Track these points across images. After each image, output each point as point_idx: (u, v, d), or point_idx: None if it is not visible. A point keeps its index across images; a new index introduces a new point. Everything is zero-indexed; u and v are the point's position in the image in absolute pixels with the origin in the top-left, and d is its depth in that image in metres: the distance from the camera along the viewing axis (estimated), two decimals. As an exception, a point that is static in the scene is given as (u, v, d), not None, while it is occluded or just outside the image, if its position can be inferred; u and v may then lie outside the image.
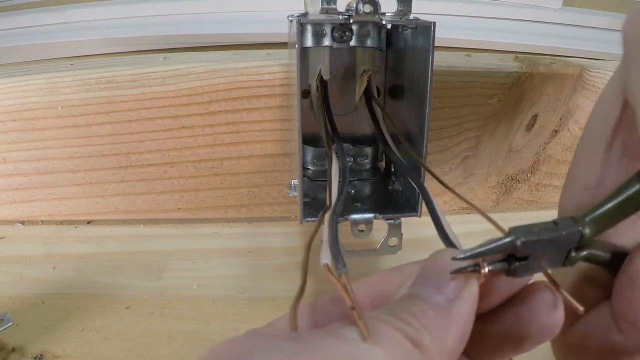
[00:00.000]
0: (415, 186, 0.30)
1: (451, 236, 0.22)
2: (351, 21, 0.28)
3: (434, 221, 0.23)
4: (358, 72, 0.34)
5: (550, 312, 0.17)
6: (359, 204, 0.33)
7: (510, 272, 0.17)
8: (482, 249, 0.17)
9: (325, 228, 0.21)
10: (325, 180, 0.35)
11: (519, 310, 0.18)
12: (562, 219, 0.18)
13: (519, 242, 0.17)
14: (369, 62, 0.34)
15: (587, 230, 0.18)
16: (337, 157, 0.29)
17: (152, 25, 0.58)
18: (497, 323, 0.18)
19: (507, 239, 0.17)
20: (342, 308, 0.19)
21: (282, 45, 0.37)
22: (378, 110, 0.33)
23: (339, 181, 0.27)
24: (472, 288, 0.17)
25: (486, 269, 0.17)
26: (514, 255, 0.17)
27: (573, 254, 0.18)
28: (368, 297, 0.19)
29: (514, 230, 0.17)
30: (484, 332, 0.18)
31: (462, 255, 0.17)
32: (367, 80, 0.33)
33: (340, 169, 0.28)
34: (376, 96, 0.34)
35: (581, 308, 0.18)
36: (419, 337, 0.15)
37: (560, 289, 0.18)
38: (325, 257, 0.19)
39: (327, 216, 0.22)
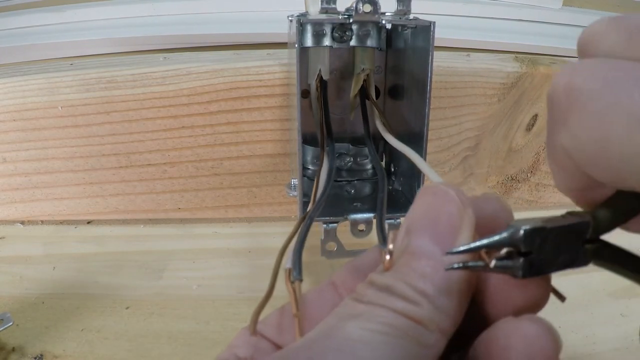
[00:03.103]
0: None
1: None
2: (351, 21, 0.28)
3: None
4: (356, 72, 0.34)
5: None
6: (358, 204, 0.33)
7: (513, 271, 0.15)
8: (480, 242, 0.15)
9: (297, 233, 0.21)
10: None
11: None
12: (569, 212, 0.16)
13: (521, 231, 0.14)
14: (368, 61, 0.34)
15: (595, 221, 0.15)
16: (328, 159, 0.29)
17: (152, 25, 0.58)
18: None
19: (508, 230, 0.15)
20: (327, 299, 0.19)
21: (282, 45, 0.37)
22: (373, 110, 0.33)
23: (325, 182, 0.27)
24: (468, 231, 0.15)
25: (493, 263, 0.15)
26: (519, 251, 0.15)
27: (587, 246, 0.15)
28: (352, 275, 0.19)
29: (515, 222, 0.15)
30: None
31: (457, 249, 0.15)
32: (364, 79, 0.33)
33: (327, 172, 0.28)
34: (373, 95, 0.34)
35: (565, 297, 0.16)
36: (420, 313, 0.14)
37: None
38: (289, 262, 0.19)
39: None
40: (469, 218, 0.16)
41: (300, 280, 0.17)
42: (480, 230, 0.16)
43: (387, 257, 0.15)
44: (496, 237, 0.15)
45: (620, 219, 0.16)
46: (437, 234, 0.15)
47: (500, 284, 0.16)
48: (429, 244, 0.15)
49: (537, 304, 0.15)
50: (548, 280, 0.16)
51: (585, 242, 0.15)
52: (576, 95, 0.13)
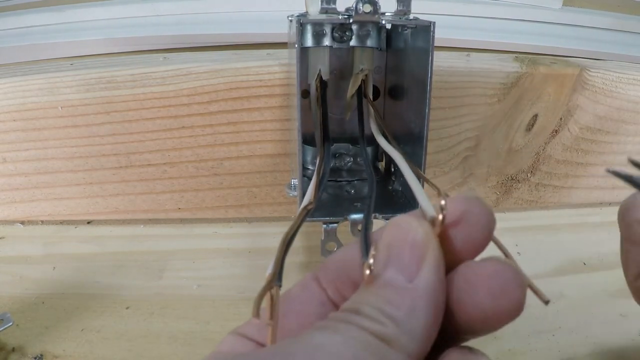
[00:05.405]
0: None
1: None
2: (351, 21, 0.28)
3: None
4: (355, 71, 0.34)
5: (501, 295, 0.15)
6: (358, 204, 0.33)
7: None
8: None
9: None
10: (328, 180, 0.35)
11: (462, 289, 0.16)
12: None
13: None
14: (367, 61, 0.34)
15: None
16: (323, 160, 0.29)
17: (152, 25, 0.58)
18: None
19: None
20: (311, 293, 0.19)
21: (282, 45, 0.37)
22: (369, 110, 0.33)
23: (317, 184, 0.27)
24: (432, 259, 0.16)
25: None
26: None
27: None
28: (334, 272, 0.19)
29: None
30: None
31: None
32: (362, 80, 0.33)
33: (319, 174, 0.27)
34: (370, 96, 0.34)
35: (547, 299, 0.16)
36: (384, 332, 0.15)
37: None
38: (271, 268, 0.19)
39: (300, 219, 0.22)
40: (433, 247, 0.16)
41: (279, 286, 0.17)
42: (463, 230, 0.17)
43: (367, 272, 0.16)
44: None
45: None
46: (402, 265, 0.16)
47: (469, 293, 0.16)
48: (394, 274, 0.16)
49: (507, 314, 0.16)
50: (522, 294, 0.16)
51: None
52: None
